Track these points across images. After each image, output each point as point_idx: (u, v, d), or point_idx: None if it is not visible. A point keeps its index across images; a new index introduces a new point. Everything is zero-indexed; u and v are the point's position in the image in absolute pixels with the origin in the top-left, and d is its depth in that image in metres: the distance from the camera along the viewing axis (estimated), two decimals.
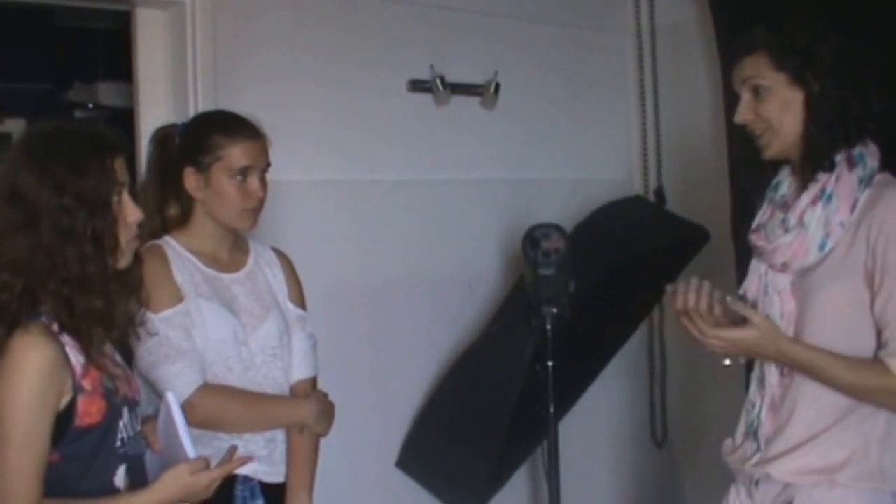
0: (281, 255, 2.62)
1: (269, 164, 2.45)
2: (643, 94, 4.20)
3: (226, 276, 2.46)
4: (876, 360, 2.04)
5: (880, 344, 2.04)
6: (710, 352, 2.14)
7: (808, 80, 2.09)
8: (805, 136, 2.11)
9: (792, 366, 2.11)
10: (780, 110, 2.11)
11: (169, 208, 2.46)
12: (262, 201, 2.43)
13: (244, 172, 2.39)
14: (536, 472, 3.68)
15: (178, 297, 2.35)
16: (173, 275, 2.37)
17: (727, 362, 2.22)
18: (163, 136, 2.49)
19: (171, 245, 2.42)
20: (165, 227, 2.45)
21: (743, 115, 2.15)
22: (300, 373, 2.54)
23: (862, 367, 2.04)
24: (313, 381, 2.58)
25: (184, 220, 2.46)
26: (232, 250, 2.51)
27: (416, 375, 3.57)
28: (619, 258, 3.44)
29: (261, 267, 2.55)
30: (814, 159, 2.11)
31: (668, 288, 2.17)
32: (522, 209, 3.72)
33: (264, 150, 2.44)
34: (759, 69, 2.12)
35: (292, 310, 2.55)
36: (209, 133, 2.40)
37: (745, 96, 2.15)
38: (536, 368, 2.98)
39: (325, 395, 2.56)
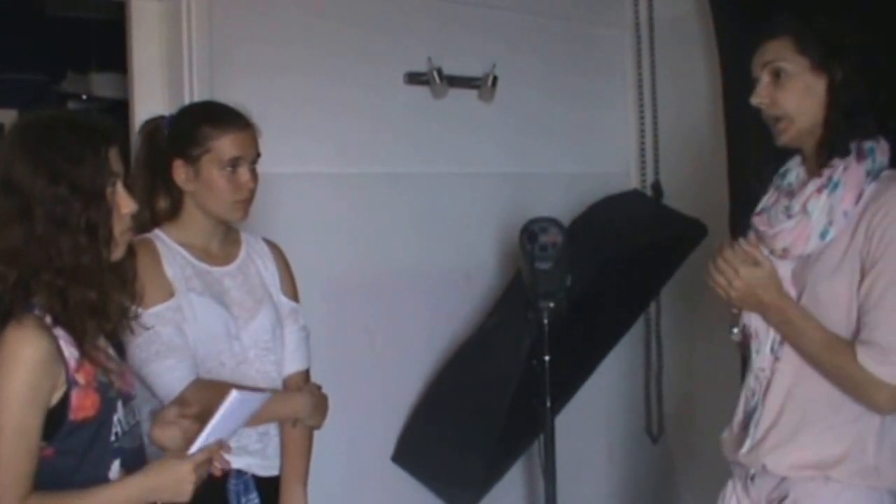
0: (273, 246, 2.60)
1: (259, 155, 2.43)
2: (641, 88, 4.18)
3: (217, 270, 2.44)
4: (850, 344, 2.03)
5: (857, 328, 2.04)
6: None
7: (832, 67, 2.07)
8: (826, 122, 2.09)
9: (780, 319, 2.10)
10: (800, 96, 2.09)
11: (158, 201, 2.44)
12: (252, 192, 2.41)
13: (234, 163, 2.36)
14: (533, 466, 3.66)
15: (169, 293, 2.33)
16: (164, 269, 2.34)
17: (735, 331, 2.25)
18: (151, 129, 2.47)
19: (162, 238, 2.40)
20: (155, 221, 2.43)
21: (760, 96, 2.13)
22: (293, 365, 2.52)
23: (838, 347, 2.04)
24: (306, 374, 2.56)
25: (174, 212, 2.44)
26: (223, 243, 2.48)
27: (412, 369, 3.56)
28: (616, 253, 3.43)
29: (253, 259, 2.52)
30: (830, 146, 2.09)
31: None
32: (520, 203, 3.72)
33: (254, 141, 2.41)
34: (782, 52, 2.10)
35: (285, 302, 2.53)
36: (198, 125, 2.38)
37: (765, 79, 2.12)
38: (533, 363, 2.98)
39: (319, 387, 2.53)
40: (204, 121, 2.39)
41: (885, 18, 2.80)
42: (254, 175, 2.41)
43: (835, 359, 2.04)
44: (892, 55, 2.14)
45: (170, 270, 2.35)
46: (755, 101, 2.14)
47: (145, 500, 1.85)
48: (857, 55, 2.06)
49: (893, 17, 2.88)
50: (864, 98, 2.06)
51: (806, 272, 2.10)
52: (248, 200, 2.41)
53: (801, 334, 2.08)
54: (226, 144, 2.36)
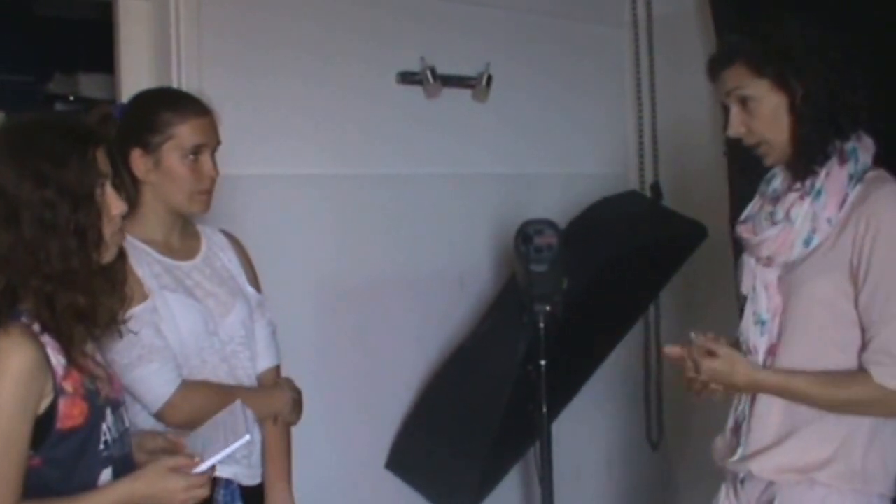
0: (231, 237, 2.52)
1: (219, 142, 2.35)
2: (639, 87, 4.16)
3: (184, 264, 2.36)
4: (856, 372, 2.03)
5: (863, 344, 2.04)
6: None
7: (791, 83, 2.06)
8: (794, 136, 2.09)
9: (770, 393, 2.12)
10: (772, 118, 2.09)
11: None
12: (214, 182, 2.33)
13: (196, 151, 2.28)
14: (529, 474, 3.64)
15: (143, 293, 2.23)
16: (133, 269, 2.23)
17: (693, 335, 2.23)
18: (100, 118, 2.29)
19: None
20: None
21: (735, 128, 2.14)
22: (266, 361, 2.46)
23: (841, 382, 2.05)
24: (278, 370, 2.50)
25: (130, 207, 2.32)
26: (183, 236, 2.39)
27: (405, 375, 3.53)
28: (613, 255, 3.41)
29: (215, 252, 2.45)
30: (805, 157, 2.09)
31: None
32: (515, 204, 3.69)
33: (215, 127, 2.33)
34: (741, 80, 2.11)
35: (253, 294, 2.47)
36: (157, 111, 2.29)
37: (734, 109, 2.13)
38: (529, 368, 2.95)
39: (291, 381, 2.49)
40: (164, 107, 2.30)
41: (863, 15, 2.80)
42: (215, 164, 2.33)
43: (841, 393, 2.04)
44: (880, 51, 2.13)
45: (139, 269, 2.25)
46: (732, 133, 2.15)
47: None
48: (815, 60, 2.05)
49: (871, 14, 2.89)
50: (829, 104, 2.05)
51: (790, 278, 2.11)
52: (210, 191, 2.33)
53: (793, 393, 2.08)
54: (188, 131, 2.28)
